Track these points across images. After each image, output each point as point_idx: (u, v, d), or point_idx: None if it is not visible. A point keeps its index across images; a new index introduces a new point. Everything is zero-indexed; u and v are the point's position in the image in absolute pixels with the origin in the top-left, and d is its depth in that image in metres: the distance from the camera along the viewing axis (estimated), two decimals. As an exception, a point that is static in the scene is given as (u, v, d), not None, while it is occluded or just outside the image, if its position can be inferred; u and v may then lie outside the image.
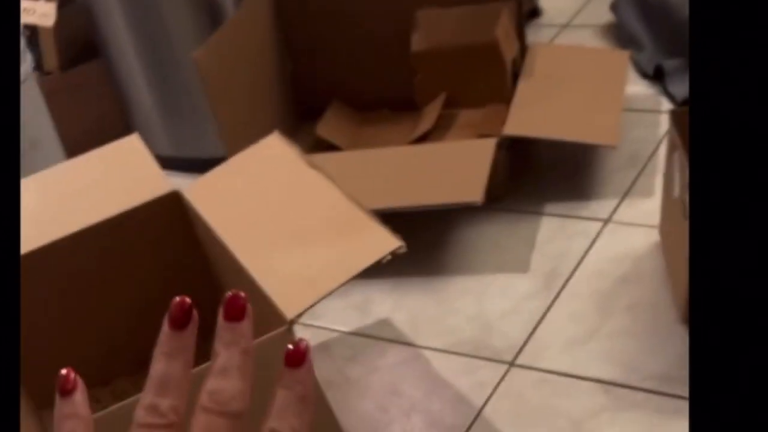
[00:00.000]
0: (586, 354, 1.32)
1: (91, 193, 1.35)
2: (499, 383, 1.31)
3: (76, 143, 1.85)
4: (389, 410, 1.31)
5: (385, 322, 1.48)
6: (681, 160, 1.28)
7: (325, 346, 1.46)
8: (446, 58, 1.79)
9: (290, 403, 0.41)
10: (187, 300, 0.43)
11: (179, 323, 0.42)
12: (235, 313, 0.43)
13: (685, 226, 1.27)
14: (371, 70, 1.90)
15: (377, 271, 1.12)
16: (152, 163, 1.41)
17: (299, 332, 1.47)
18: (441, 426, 1.26)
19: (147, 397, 0.41)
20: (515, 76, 1.78)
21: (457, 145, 1.65)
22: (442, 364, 1.36)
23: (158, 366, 0.42)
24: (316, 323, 1.50)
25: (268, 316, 1.13)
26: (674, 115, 1.38)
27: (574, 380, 1.28)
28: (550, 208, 1.62)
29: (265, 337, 1.07)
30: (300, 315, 1.09)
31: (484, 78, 1.79)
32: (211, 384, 0.41)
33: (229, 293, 0.43)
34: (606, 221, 1.58)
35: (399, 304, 1.50)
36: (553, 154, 1.77)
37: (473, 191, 1.46)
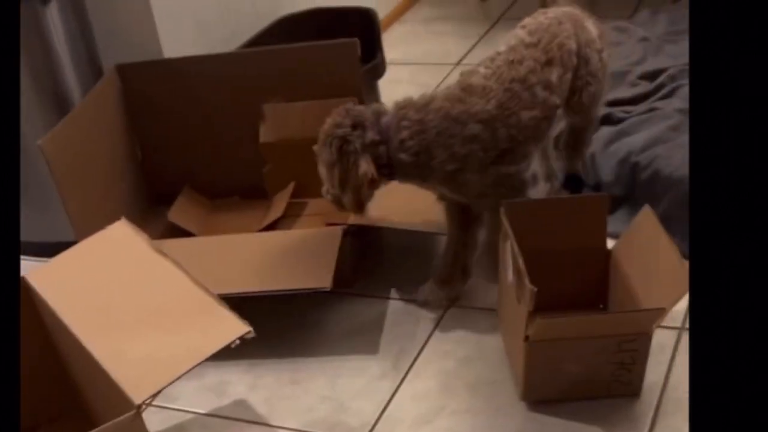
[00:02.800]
0: (433, 431, 1.37)
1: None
2: (351, 462, 1.33)
3: None
4: (243, 493, 1.29)
5: (241, 403, 1.48)
6: (513, 249, 1.37)
7: (180, 429, 1.44)
8: (294, 149, 1.83)
9: None
10: None
11: None
12: None
13: (518, 309, 1.35)
14: (221, 159, 1.93)
15: (231, 353, 1.13)
16: (-5, 248, 1.37)
17: (153, 415, 1.44)
18: (295, 506, 1.26)
19: None
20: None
21: (306, 233, 1.69)
22: (297, 443, 1.38)
23: None
24: (171, 405, 1.48)
25: (116, 401, 1.12)
26: (507, 207, 1.48)
27: (422, 457, 1.32)
28: (397, 292, 1.68)
29: (112, 422, 1.06)
30: (150, 399, 1.08)
31: (332, 168, 1.84)
32: None
33: None
34: (450, 304, 1.65)
35: (255, 385, 1.51)
36: (400, 241, 1.83)
37: (322, 278, 1.50)
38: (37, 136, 1.57)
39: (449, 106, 1.48)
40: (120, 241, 1.38)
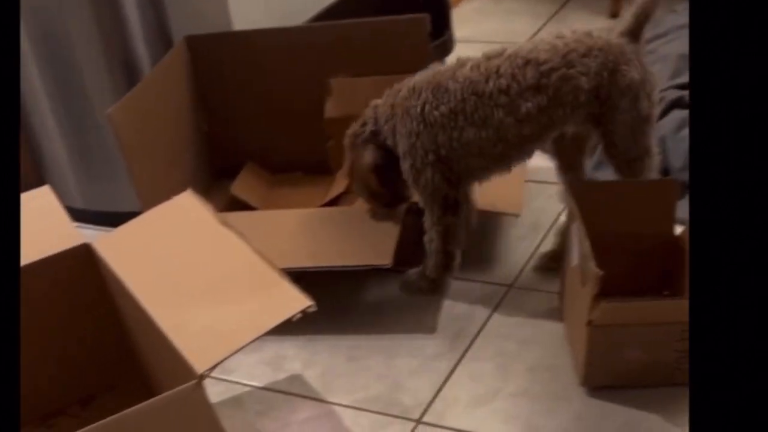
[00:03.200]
0: (489, 413, 1.36)
1: (-1, 242, 1.33)
2: (405, 441, 1.33)
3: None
4: (297, 466, 1.31)
5: (297, 378, 1.49)
6: (579, 231, 1.35)
7: (237, 401, 1.46)
8: (359, 125, 1.84)
9: None
10: None
11: None
12: None
13: (582, 292, 1.33)
14: (285, 133, 1.94)
15: (289, 327, 1.14)
16: (63, 215, 1.40)
17: (210, 387, 1.46)
18: (349, 481, 1.27)
19: None
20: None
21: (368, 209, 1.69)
22: (352, 420, 1.38)
23: None
24: (229, 378, 1.50)
25: (178, 370, 1.13)
26: (573, 187, 1.46)
27: (477, 439, 1.32)
28: (456, 272, 1.66)
29: (173, 391, 1.07)
30: (210, 370, 1.09)
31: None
32: None
33: None
34: (509, 286, 1.64)
35: (311, 361, 1.52)
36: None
37: (383, 254, 1.50)
38: (106, 106, 1.59)
39: (408, 98, 1.50)
40: (186, 211, 1.39)
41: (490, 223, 1.79)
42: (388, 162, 1.56)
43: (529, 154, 1.54)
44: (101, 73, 1.84)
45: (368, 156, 1.56)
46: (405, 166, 1.53)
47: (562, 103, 1.43)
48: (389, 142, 1.55)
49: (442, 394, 1.41)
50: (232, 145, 1.95)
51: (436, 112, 1.46)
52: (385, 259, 1.49)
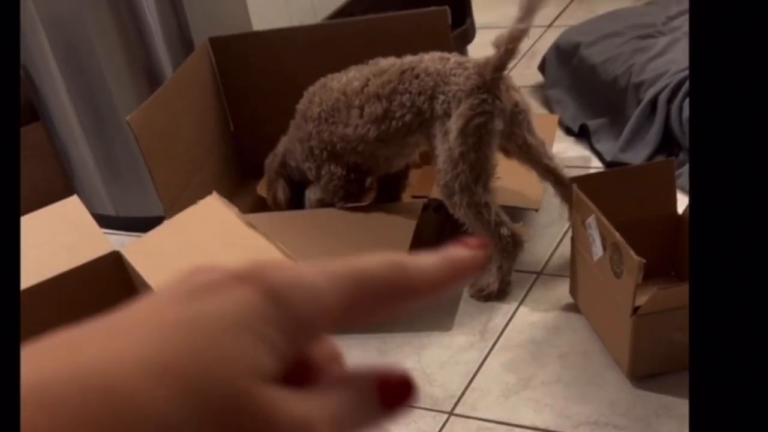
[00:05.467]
0: (521, 402, 1.36)
1: (29, 254, 1.36)
2: (438, 433, 1.34)
3: (15, 205, 1.84)
4: (330, 463, 1.32)
5: (326, 376, 1.50)
6: (603, 223, 1.34)
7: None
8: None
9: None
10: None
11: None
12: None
13: (616, 284, 1.32)
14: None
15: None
16: (92, 223, 1.42)
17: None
18: (381, 477, 1.28)
19: None
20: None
21: (387, 207, 1.69)
22: (382, 415, 1.39)
23: None
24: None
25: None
26: (579, 182, 1.44)
27: (510, 428, 1.32)
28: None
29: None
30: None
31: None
32: None
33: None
34: (538, 273, 1.63)
35: (340, 358, 1.52)
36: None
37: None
38: (130, 112, 1.61)
39: (306, 103, 1.66)
40: (212, 214, 1.41)
41: (516, 211, 1.78)
42: (298, 193, 1.74)
43: (400, 155, 1.63)
44: (125, 81, 1.86)
45: (280, 193, 1.72)
46: (305, 166, 1.67)
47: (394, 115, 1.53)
48: (295, 173, 1.71)
49: (473, 384, 1.42)
50: (259, 144, 1.96)
51: (318, 108, 1.60)
52: None
